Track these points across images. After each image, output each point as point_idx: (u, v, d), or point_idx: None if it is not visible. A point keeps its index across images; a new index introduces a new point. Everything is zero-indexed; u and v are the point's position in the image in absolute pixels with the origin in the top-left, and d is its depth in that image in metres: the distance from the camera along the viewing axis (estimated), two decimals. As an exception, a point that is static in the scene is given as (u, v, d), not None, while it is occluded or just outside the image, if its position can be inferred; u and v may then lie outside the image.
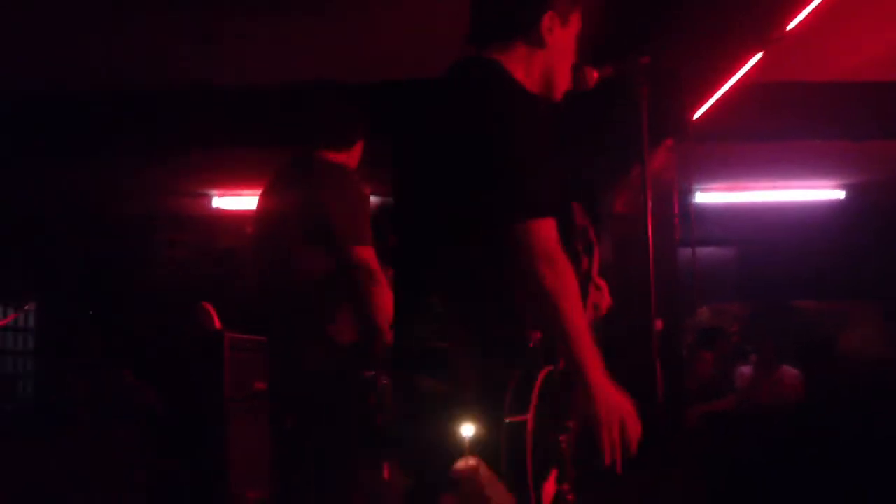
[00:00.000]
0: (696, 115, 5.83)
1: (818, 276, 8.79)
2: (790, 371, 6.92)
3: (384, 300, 3.30)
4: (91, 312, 7.77)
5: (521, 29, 2.20)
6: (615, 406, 1.99)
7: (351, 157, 3.63)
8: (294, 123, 3.77)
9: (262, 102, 6.10)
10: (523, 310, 2.01)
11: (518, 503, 1.90)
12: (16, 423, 6.76)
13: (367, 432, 3.32)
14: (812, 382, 6.56)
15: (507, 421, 1.92)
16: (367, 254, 3.34)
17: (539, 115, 2.09)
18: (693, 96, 5.63)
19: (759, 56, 5.03)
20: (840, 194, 8.62)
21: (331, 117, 3.63)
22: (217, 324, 6.09)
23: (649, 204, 2.58)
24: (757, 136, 6.44)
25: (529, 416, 1.92)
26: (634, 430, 2.02)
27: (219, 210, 8.40)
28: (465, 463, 1.89)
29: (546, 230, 1.95)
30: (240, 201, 8.20)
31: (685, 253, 5.97)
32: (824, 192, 8.61)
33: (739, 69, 5.26)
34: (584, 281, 2.42)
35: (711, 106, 5.75)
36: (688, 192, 8.08)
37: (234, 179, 7.88)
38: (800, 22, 4.56)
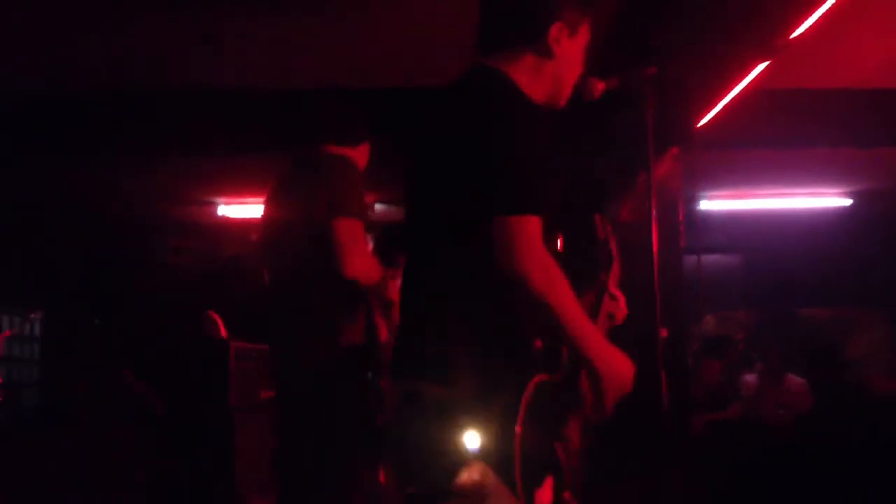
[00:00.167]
0: (702, 123, 5.84)
1: (824, 284, 8.78)
2: (796, 380, 6.90)
3: (366, 268, 3.31)
4: (96, 320, 7.76)
5: (529, 39, 2.21)
6: (620, 378, 2.06)
7: (357, 155, 3.63)
8: (298, 126, 3.79)
9: (266, 106, 6.13)
10: (523, 315, 2.02)
11: None
12: (18, 427, 6.77)
13: (368, 433, 3.33)
14: (819, 390, 6.55)
15: (501, 428, 1.92)
16: (350, 225, 3.33)
17: (539, 122, 2.10)
18: (699, 104, 5.64)
19: (764, 64, 5.03)
20: (846, 202, 8.61)
21: (335, 119, 3.65)
22: (223, 332, 6.10)
23: (654, 211, 2.57)
24: (763, 144, 6.44)
25: (518, 424, 1.92)
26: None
27: (224, 218, 8.42)
28: (472, 470, 1.90)
29: (531, 227, 1.95)
30: (245, 209, 8.22)
31: (691, 260, 5.98)
32: (830, 199, 8.60)
33: (745, 77, 5.27)
34: (600, 292, 2.43)
35: (717, 113, 5.76)
36: (693, 200, 8.09)
37: (239, 187, 7.90)
38: (804, 30, 4.57)
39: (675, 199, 5.86)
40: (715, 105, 5.69)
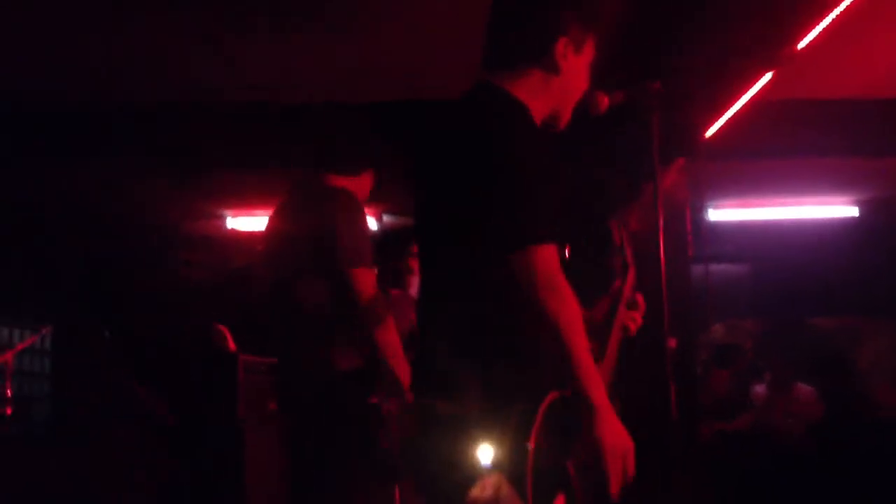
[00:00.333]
0: (709, 134, 5.85)
1: (831, 293, 8.76)
2: (805, 389, 6.89)
3: (385, 326, 3.33)
4: (107, 333, 7.78)
5: (536, 55, 2.22)
6: (620, 438, 1.98)
7: (359, 186, 3.64)
8: (304, 144, 3.81)
9: (276, 120, 6.16)
10: (531, 335, 2.03)
11: None
12: (29, 440, 6.79)
13: (372, 456, 3.34)
14: (827, 399, 6.54)
15: (513, 444, 1.93)
16: (367, 277, 3.36)
17: (544, 143, 2.11)
18: (705, 115, 5.65)
19: (769, 75, 5.05)
20: (854, 211, 8.59)
21: (342, 141, 3.66)
22: (232, 346, 6.12)
23: (661, 222, 2.59)
24: (769, 154, 6.45)
25: (531, 439, 1.93)
26: (632, 463, 2.01)
27: (233, 231, 8.44)
28: (486, 483, 1.91)
29: (546, 256, 1.97)
30: (254, 222, 8.24)
31: (698, 270, 5.98)
32: (838, 208, 8.59)
33: (751, 88, 5.29)
34: (615, 301, 2.44)
35: (724, 124, 5.77)
36: (701, 209, 8.09)
37: (248, 200, 7.92)
38: (810, 41, 4.58)
39: (682, 209, 5.87)
40: (721, 115, 5.71)
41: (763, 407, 6.90)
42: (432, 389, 2.10)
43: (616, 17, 4.68)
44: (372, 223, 7.29)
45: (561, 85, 2.26)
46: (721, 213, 8.46)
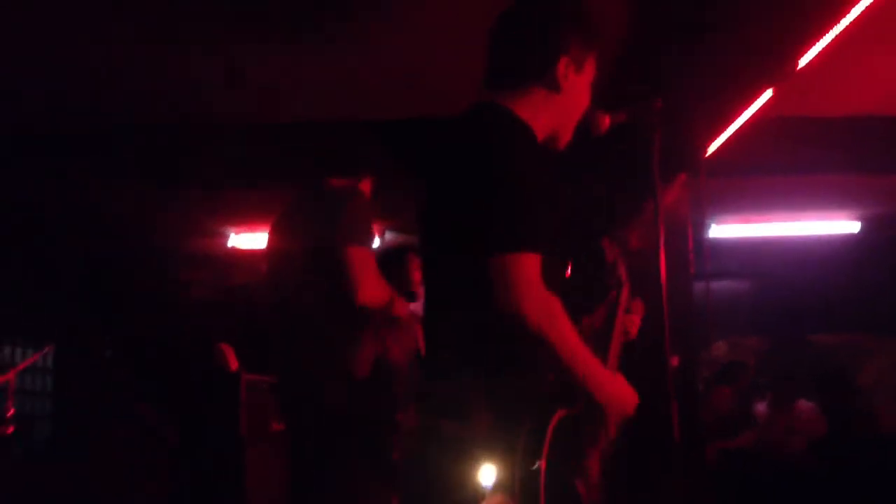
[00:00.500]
0: (710, 150, 5.86)
1: (833, 309, 8.76)
2: (807, 405, 6.88)
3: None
4: (108, 351, 7.79)
5: (537, 74, 2.24)
6: (622, 402, 2.11)
7: (362, 188, 3.67)
8: (308, 159, 3.82)
9: (279, 139, 6.17)
10: (536, 352, 2.03)
11: None
12: (30, 459, 6.78)
13: (383, 467, 3.33)
14: (830, 415, 6.52)
15: (522, 463, 1.92)
16: (361, 254, 3.35)
17: (542, 160, 2.12)
18: (706, 132, 5.67)
19: (770, 93, 5.06)
20: (855, 227, 8.60)
21: (343, 152, 3.68)
22: (234, 364, 6.12)
23: (662, 241, 2.59)
24: (771, 171, 6.45)
25: (542, 459, 1.92)
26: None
27: (235, 248, 8.45)
28: (493, 500, 1.90)
29: (526, 264, 1.96)
30: (256, 239, 8.25)
31: (700, 286, 5.97)
32: (839, 224, 8.59)
33: (751, 105, 5.30)
34: (613, 309, 2.46)
35: (725, 141, 5.79)
36: (703, 226, 8.09)
37: (250, 217, 7.93)
38: (811, 59, 4.59)
39: (683, 225, 5.87)
40: (723, 132, 5.72)
41: (765, 424, 6.89)
42: (437, 409, 2.09)
43: (617, 36, 4.71)
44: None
45: (563, 103, 2.27)
46: (723, 230, 8.47)
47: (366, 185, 3.70)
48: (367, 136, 3.86)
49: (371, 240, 3.42)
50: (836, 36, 4.38)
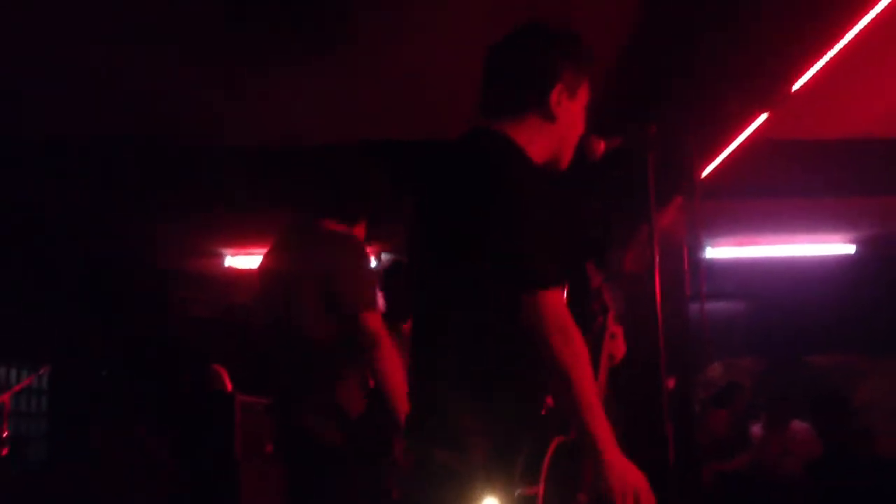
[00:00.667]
0: (705, 173, 5.89)
1: (829, 330, 8.76)
2: (801, 426, 6.87)
3: (393, 368, 3.32)
4: (104, 373, 7.77)
5: (531, 103, 2.25)
6: (629, 479, 1.98)
7: (355, 232, 3.67)
8: (303, 186, 3.81)
9: (272, 162, 6.19)
10: (534, 377, 2.03)
11: None
12: (26, 481, 6.75)
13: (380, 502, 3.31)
14: (825, 437, 6.52)
15: (518, 491, 1.91)
16: (373, 319, 3.37)
17: (548, 187, 2.13)
18: (701, 155, 5.69)
19: (764, 116, 5.09)
20: (850, 248, 8.62)
21: (339, 190, 3.67)
22: (228, 386, 6.11)
23: (657, 262, 2.60)
24: (766, 193, 6.48)
25: (540, 487, 1.92)
26: (648, 502, 2.00)
27: (231, 269, 8.45)
28: None
29: (556, 300, 1.98)
30: (252, 260, 8.25)
31: (696, 308, 5.98)
32: (835, 246, 8.61)
33: (746, 129, 5.33)
34: (599, 335, 2.46)
35: (720, 164, 5.81)
36: (698, 247, 8.11)
37: (246, 239, 7.93)
38: (805, 82, 4.62)
39: (679, 247, 5.89)
40: (718, 155, 5.75)
41: (759, 446, 6.88)
42: (430, 437, 2.07)
43: (611, 59, 4.74)
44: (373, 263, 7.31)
45: (557, 130, 2.28)
46: (718, 251, 8.49)
47: (360, 231, 3.69)
48: (364, 159, 3.85)
49: (376, 300, 3.45)
50: (830, 60, 4.41)
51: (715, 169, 5.87)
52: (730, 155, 5.69)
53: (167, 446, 6.04)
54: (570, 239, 2.11)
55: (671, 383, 5.77)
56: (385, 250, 7.44)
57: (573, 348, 1.96)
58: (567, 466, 2.02)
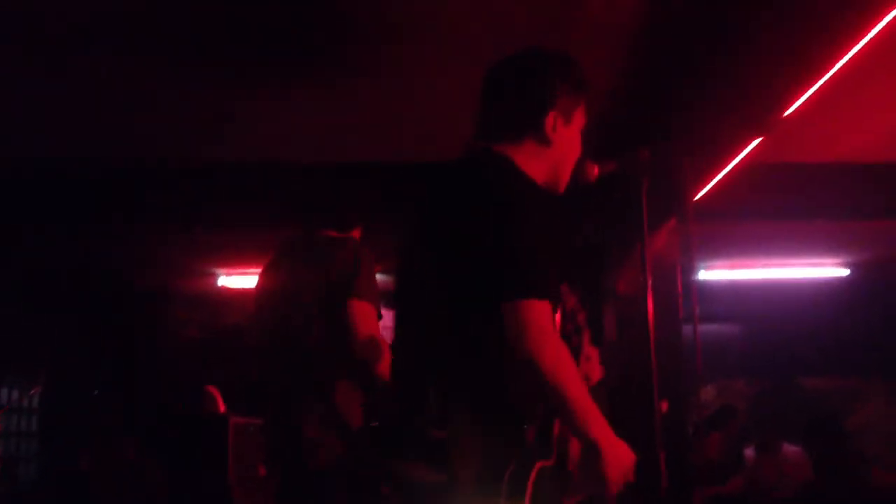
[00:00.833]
0: (699, 196, 5.90)
1: (823, 353, 8.77)
2: (792, 449, 6.87)
3: (384, 361, 3.31)
4: (96, 391, 7.74)
5: (527, 128, 2.26)
6: (623, 465, 2.08)
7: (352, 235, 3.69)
8: (297, 203, 3.83)
9: (265, 181, 6.19)
10: (519, 398, 2.02)
11: None
12: (16, 501, 6.71)
13: None
14: (819, 460, 6.51)
15: None
16: (368, 310, 3.36)
17: (545, 204, 2.14)
18: (695, 178, 5.70)
19: (757, 141, 5.11)
20: (844, 272, 8.64)
21: (333, 202, 3.70)
22: (221, 407, 6.08)
23: (650, 285, 2.60)
24: (759, 216, 6.50)
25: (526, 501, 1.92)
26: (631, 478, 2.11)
27: (224, 288, 8.44)
28: None
29: (540, 310, 1.98)
30: (245, 280, 8.24)
31: (689, 330, 5.98)
32: (828, 269, 8.64)
33: (739, 153, 5.35)
34: (574, 357, 2.46)
35: (713, 186, 5.83)
36: (692, 270, 8.11)
37: (240, 258, 7.93)
38: (798, 107, 4.64)
39: (672, 269, 5.89)
40: (711, 179, 5.77)
41: (752, 469, 6.86)
42: (413, 453, 2.07)
43: (605, 83, 4.76)
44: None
45: (553, 155, 2.29)
46: (712, 274, 8.50)
47: (356, 235, 3.72)
48: (355, 180, 3.89)
49: (373, 293, 3.44)
50: (822, 86, 4.43)
51: (709, 192, 5.89)
52: (723, 178, 5.71)
53: (158, 468, 6.01)
54: (561, 259, 2.12)
55: (664, 406, 5.75)
56: (378, 270, 7.44)
57: (555, 352, 1.97)
58: (550, 491, 2.02)
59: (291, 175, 5.91)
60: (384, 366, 3.33)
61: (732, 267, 8.55)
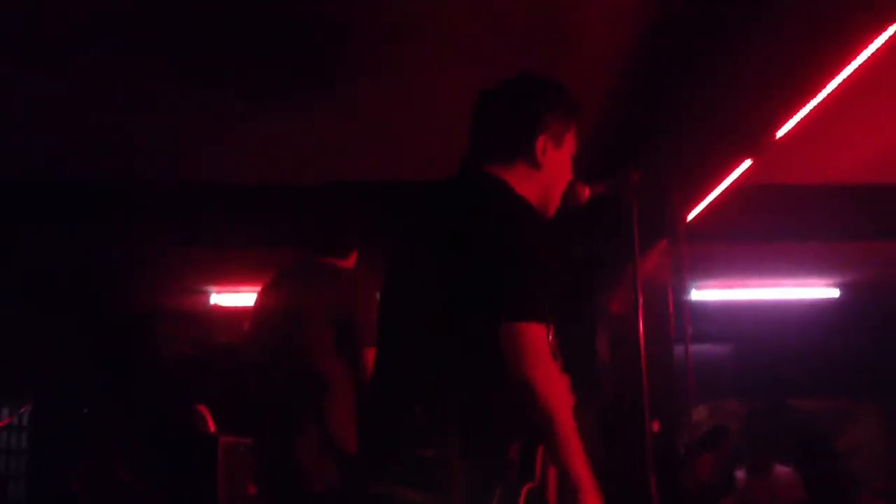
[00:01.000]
0: (690, 217, 5.93)
1: (814, 374, 8.78)
2: (784, 469, 6.86)
3: None
4: (86, 410, 7.71)
5: (518, 151, 2.27)
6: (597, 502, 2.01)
7: (347, 264, 3.70)
8: (292, 224, 3.84)
9: (258, 200, 6.20)
10: (505, 420, 2.03)
11: None
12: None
13: None
14: (811, 480, 6.52)
15: None
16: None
17: (541, 227, 2.15)
18: (686, 200, 5.73)
19: (749, 162, 5.15)
20: (835, 293, 8.66)
21: (331, 226, 3.71)
22: (212, 427, 6.06)
23: (641, 305, 2.61)
24: (750, 237, 6.52)
25: None
26: None
27: (216, 306, 8.43)
28: None
29: (536, 334, 1.98)
30: (237, 297, 8.23)
31: (681, 350, 5.98)
32: (819, 290, 8.66)
33: (730, 175, 5.38)
34: None
35: (705, 208, 5.86)
36: (683, 290, 8.12)
37: (231, 276, 7.92)
38: (789, 130, 4.67)
39: (664, 290, 5.91)
40: (703, 200, 5.79)
41: (744, 490, 6.85)
42: (403, 478, 2.03)
43: (596, 105, 4.78)
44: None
45: (543, 178, 2.30)
46: (703, 294, 8.51)
47: (352, 261, 3.74)
48: (348, 199, 3.90)
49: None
50: (813, 108, 4.46)
51: (700, 213, 5.92)
52: (715, 199, 5.74)
53: (148, 487, 5.98)
54: (553, 283, 2.12)
55: (656, 426, 5.76)
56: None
57: (550, 381, 1.97)
58: None
59: (287, 195, 5.93)
60: None
61: (724, 287, 8.57)
